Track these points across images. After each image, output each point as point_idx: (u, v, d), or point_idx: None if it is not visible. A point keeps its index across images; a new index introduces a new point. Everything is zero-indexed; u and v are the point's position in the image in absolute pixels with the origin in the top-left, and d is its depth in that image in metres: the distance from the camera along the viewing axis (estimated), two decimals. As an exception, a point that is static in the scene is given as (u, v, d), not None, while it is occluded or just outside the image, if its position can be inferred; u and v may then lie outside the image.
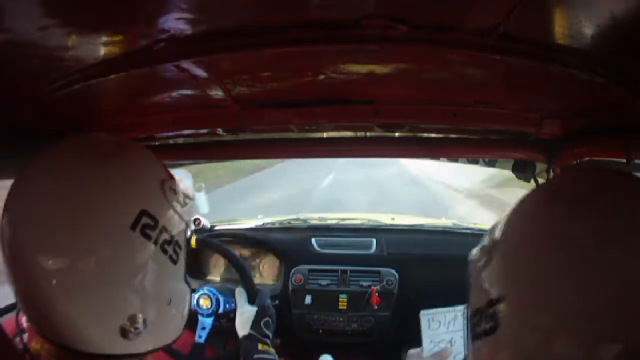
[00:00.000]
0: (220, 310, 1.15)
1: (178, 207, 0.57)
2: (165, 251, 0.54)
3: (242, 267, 1.11)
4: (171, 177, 0.58)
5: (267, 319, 0.94)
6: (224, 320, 1.18)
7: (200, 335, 1.12)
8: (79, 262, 0.48)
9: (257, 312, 0.95)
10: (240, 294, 1.01)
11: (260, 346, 0.89)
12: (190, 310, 0.63)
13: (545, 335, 0.40)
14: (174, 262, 0.56)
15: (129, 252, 0.51)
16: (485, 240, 0.50)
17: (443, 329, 0.94)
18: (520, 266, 0.44)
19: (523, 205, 0.49)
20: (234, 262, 1.13)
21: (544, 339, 0.40)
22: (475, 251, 0.51)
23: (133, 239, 0.51)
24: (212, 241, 1.22)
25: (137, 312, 0.52)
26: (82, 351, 0.51)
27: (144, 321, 0.52)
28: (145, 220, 0.51)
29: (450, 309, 0.94)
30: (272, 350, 0.91)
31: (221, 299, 1.15)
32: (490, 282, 0.46)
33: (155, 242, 0.53)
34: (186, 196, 0.60)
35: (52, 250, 0.48)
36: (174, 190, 0.57)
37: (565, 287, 0.39)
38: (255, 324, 0.92)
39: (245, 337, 0.92)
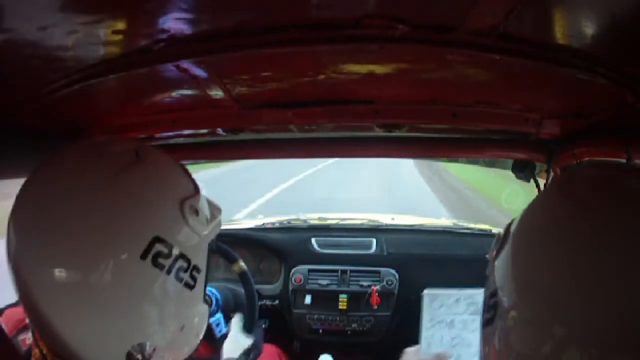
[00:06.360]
0: (216, 333, 1.13)
1: (199, 228, 0.52)
2: (180, 279, 0.50)
3: (253, 297, 1.07)
4: (196, 190, 0.53)
5: (255, 352, 0.96)
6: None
7: (220, 330, 1.11)
8: (83, 282, 0.45)
9: (250, 345, 0.96)
10: (238, 322, 1.03)
11: None
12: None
13: (537, 335, 0.39)
14: (190, 287, 0.51)
15: (138, 282, 0.47)
16: (500, 235, 0.50)
17: (444, 310, 0.96)
18: (517, 261, 0.44)
19: (535, 207, 0.48)
20: (247, 291, 1.08)
21: (534, 338, 0.40)
22: (493, 244, 0.52)
23: (142, 269, 0.46)
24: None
25: (145, 340, 0.48)
26: None
27: (153, 349, 0.49)
28: (157, 248, 0.47)
29: (454, 291, 0.95)
30: None
31: (220, 317, 1.13)
32: (495, 274, 0.47)
33: (169, 271, 0.48)
34: (215, 207, 0.55)
35: (57, 269, 0.45)
36: (195, 210, 0.52)
37: (561, 288, 0.39)
38: (243, 357, 0.94)
39: None
